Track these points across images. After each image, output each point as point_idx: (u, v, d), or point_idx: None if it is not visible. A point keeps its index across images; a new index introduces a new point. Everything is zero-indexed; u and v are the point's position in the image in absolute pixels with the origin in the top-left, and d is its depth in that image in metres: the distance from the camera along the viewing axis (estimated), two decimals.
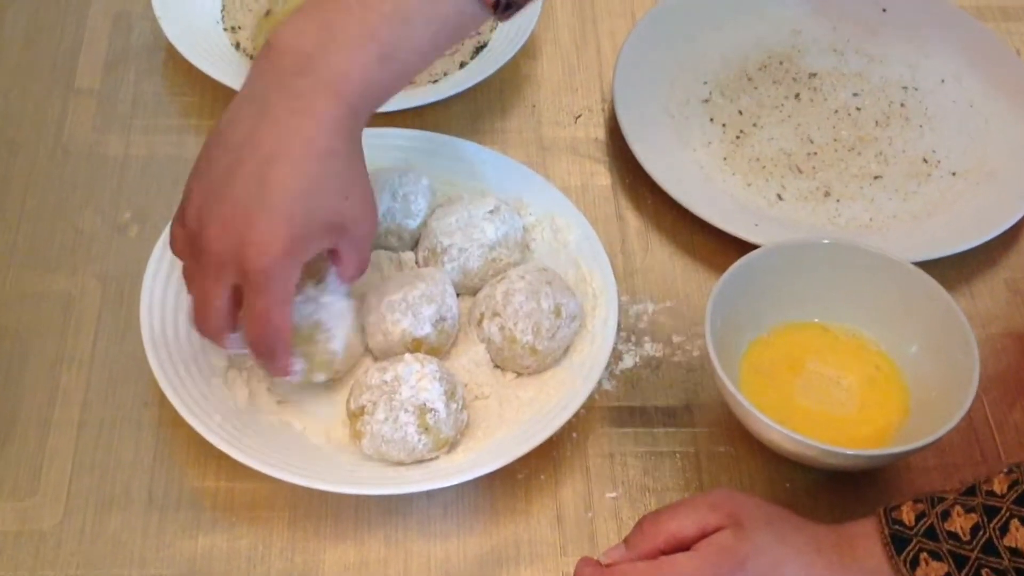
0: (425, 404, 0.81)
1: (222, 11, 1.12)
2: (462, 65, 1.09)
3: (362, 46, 0.78)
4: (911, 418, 0.87)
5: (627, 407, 0.90)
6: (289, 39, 0.79)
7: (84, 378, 0.89)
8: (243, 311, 0.79)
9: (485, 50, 1.10)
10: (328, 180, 0.78)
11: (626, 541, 0.77)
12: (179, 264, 0.90)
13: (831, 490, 0.87)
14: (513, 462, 0.83)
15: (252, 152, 0.77)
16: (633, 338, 0.94)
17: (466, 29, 0.84)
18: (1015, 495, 0.72)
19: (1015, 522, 0.71)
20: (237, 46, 1.09)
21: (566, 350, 0.89)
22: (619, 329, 0.91)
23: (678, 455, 0.88)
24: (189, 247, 0.80)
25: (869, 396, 0.89)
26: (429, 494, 0.83)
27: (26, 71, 1.08)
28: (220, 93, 1.05)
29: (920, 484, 0.87)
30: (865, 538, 0.76)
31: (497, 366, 0.89)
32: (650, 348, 0.93)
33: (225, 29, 1.11)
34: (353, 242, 0.82)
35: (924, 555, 0.73)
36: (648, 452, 0.88)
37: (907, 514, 0.75)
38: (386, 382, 0.82)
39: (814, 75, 1.11)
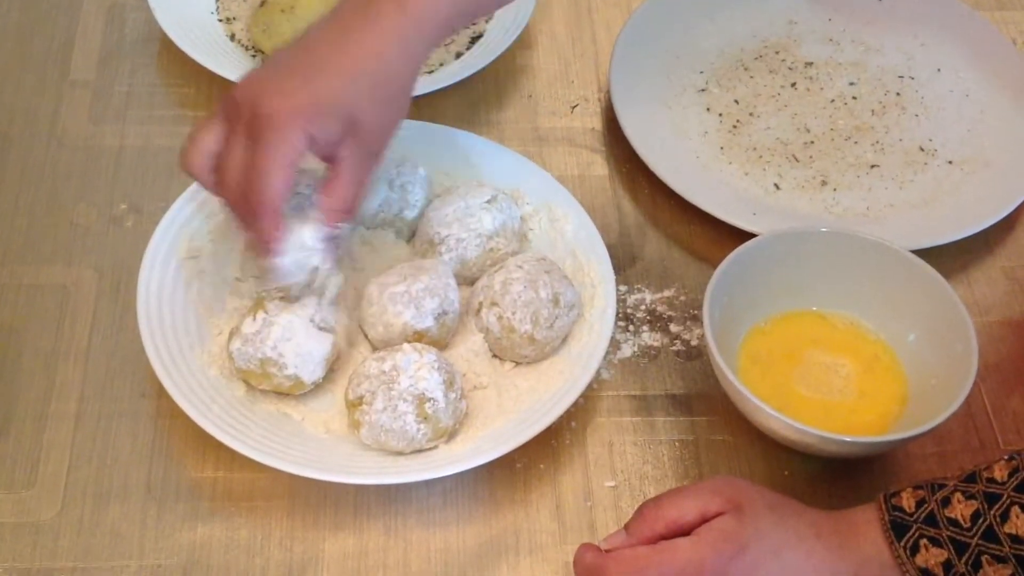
0: (424, 393, 0.81)
1: (216, 2, 1.11)
2: (458, 55, 1.08)
3: None
4: (909, 406, 0.87)
5: (626, 396, 0.90)
6: None
7: (81, 370, 0.89)
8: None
9: (481, 40, 1.09)
10: (367, 76, 0.80)
11: (627, 527, 0.77)
12: (176, 254, 0.90)
13: (830, 478, 0.87)
14: (512, 451, 0.83)
15: (308, 40, 0.81)
16: (631, 327, 0.93)
17: None
18: (1016, 482, 0.72)
19: (1015, 509, 0.71)
20: (232, 37, 1.09)
21: (564, 339, 0.89)
22: (617, 318, 0.91)
23: (677, 444, 0.88)
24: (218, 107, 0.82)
25: (867, 384, 0.89)
26: (428, 483, 0.83)
27: (20, 63, 1.07)
28: (215, 84, 1.04)
29: (918, 471, 0.87)
30: (865, 524, 0.75)
31: (495, 356, 0.89)
32: (648, 337, 0.93)
33: (220, 20, 1.10)
34: (358, 150, 0.81)
35: (924, 541, 0.73)
36: (647, 441, 0.88)
37: (907, 500, 0.75)
38: (384, 372, 0.82)
39: (810, 64, 1.11)
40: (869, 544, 0.75)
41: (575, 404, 0.86)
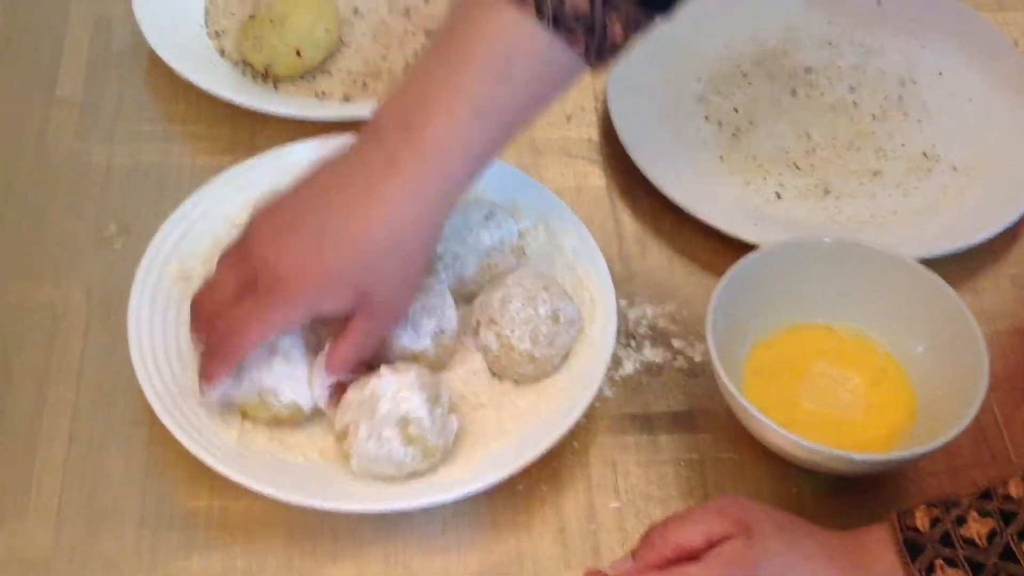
0: (407, 415, 0.79)
1: (205, 16, 1.10)
2: None
3: (455, 106, 0.76)
4: (919, 420, 0.86)
5: (628, 414, 0.88)
6: (387, 107, 0.79)
7: (72, 393, 0.87)
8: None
9: None
10: (382, 246, 0.77)
11: (633, 553, 0.76)
12: (165, 277, 0.88)
13: (838, 495, 0.85)
14: (513, 474, 0.81)
15: (327, 194, 0.78)
16: (633, 343, 0.92)
17: (563, 79, 0.79)
18: None
19: None
20: (222, 52, 1.07)
21: (565, 357, 0.87)
22: (618, 334, 0.89)
23: (682, 462, 0.86)
24: (234, 250, 0.81)
25: (875, 398, 0.87)
26: (428, 509, 0.81)
27: (5, 80, 1.05)
28: (204, 98, 1.02)
29: (929, 486, 0.86)
30: (877, 544, 0.74)
31: (494, 375, 0.87)
32: (650, 353, 0.91)
33: (208, 34, 1.08)
34: (363, 323, 0.79)
35: (939, 562, 0.71)
36: (651, 460, 0.86)
37: (920, 519, 0.73)
38: (364, 399, 0.80)
39: (809, 70, 1.10)
40: (881, 564, 0.73)
41: (577, 423, 0.84)
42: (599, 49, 0.77)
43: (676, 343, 0.92)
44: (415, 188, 0.76)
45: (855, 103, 1.07)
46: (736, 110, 1.06)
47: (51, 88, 1.05)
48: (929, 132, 1.06)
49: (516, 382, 0.87)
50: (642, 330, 0.92)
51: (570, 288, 0.89)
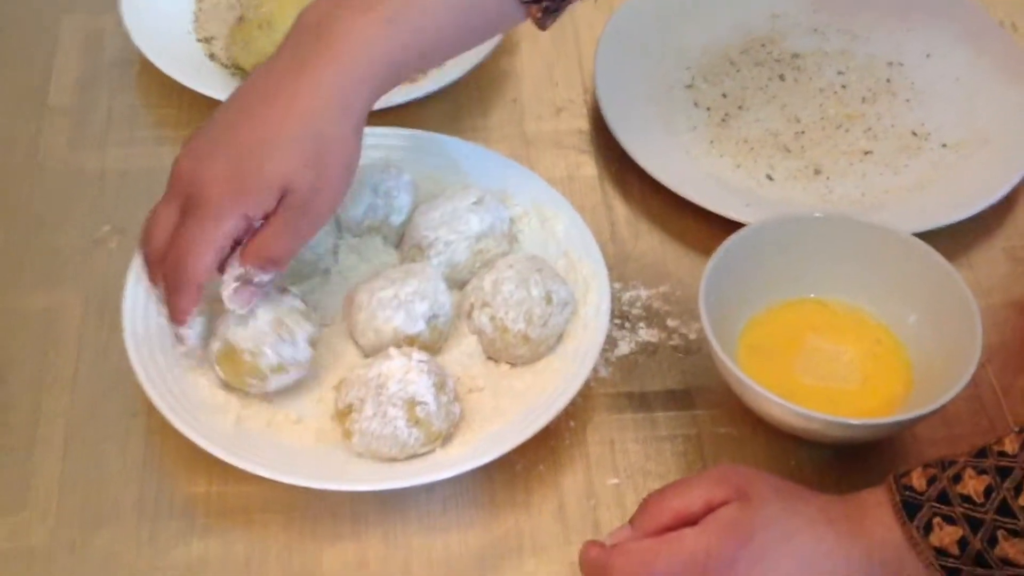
0: (414, 398, 0.79)
1: (194, 22, 1.10)
2: None
3: (367, 9, 0.78)
4: (915, 389, 0.85)
5: (625, 393, 0.88)
6: (307, 11, 0.80)
7: (68, 393, 0.87)
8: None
9: None
10: (296, 141, 0.77)
11: (631, 521, 0.75)
12: None
13: (838, 466, 0.85)
14: (511, 453, 0.81)
15: (241, 102, 0.80)
16: (628, 324, 0.92)
17: (493, 12, 0.82)
18: None
19: None
20: (212, 56, 1.08)
21: (559, 338, 0.87)
22: (613, 316, 0.89)
23: (679, 438, 0.86)
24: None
25: (871, 369, 0.87)
26: (427, 489, 0.81)
27: None
28: (196, 103, 1.03)
29: (928, 456, 0.83)
30: (876, 507, 0.73)
31: (490, 357, 0.87)
32: (645, 334, 0.91)
33: (198, 40, 1.09)
34: (288, 212, 0.79)
35: (937, 520, 0.71)
36: (649, 437, 0.86)
37: (917, 480, 0.73)
38: (372, 378, 0.80)
39: (797, 56, 1.10)
40: (881, 526, 0.73)
41: (573, 403, 0.84)
42: None
43: (671, 323, 0.92)
44: (321, 82, 0.78)
45: (844, 86, 1.08)
46: (725, 96, 1.07)
47: (43, 98, 1.06)
48: (918, 111, 1.06)
49: (512, 364, 0.87)
50: (636, 311, 0.92)
51: (563, 271, 0.90)
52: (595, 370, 0.87)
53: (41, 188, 1.00)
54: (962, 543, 0.70)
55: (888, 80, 1.08)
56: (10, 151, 1.02)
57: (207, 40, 1.09)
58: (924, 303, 0.87)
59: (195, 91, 1.02)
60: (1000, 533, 0.69)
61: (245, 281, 0.80)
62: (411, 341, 0.84)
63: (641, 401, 0.88)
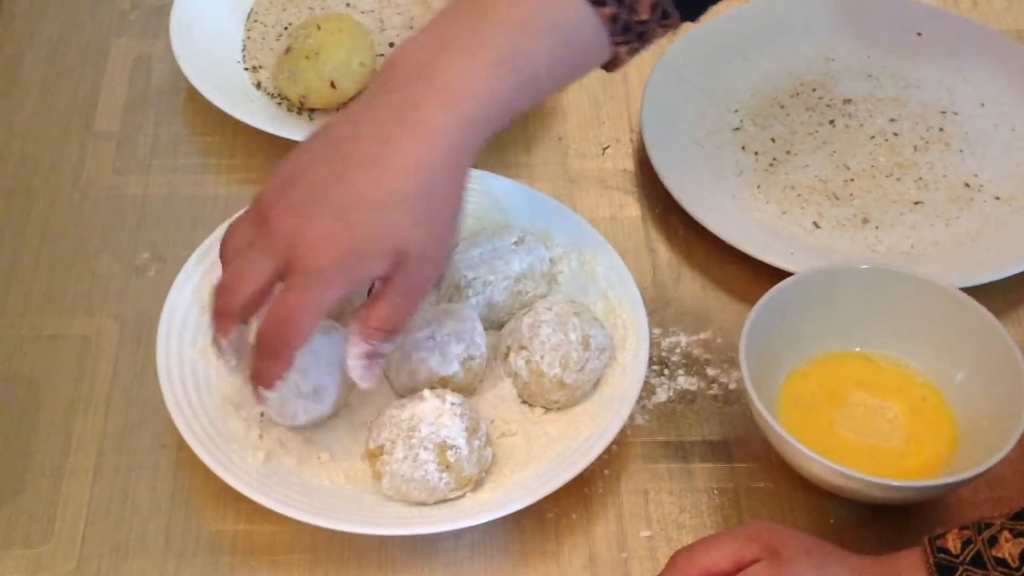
0: (445, 441, 0.78)
1: (243, 50, 1.10)
2: None
3: (474, 52, 0.73)
4: (960, 449, 0.83)
5: (661, 442, 0.86)
6: (405, 51, 0.75)
7: (100, 422, 0.87)
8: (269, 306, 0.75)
9: None
10: (408, 200, 0.72)
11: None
12: (195, 304, 0.88)
13: (877, 526, 0.83)
14: (542, 500, 0.79)
15: (345, 149, 0.73)
16: (666, 371, 0.90)
17: (585, 49, 0.77)
18: None
19: None
20: (258, 85, 1.08)
21: (596, 383, 0.86)
22: (651, 362, 0.88)
23: (716, 491, 0.84)
24: (249, 226, 0.76)
25: (915, 427, 0.85)
26: (456, 534, 0.80)
27: (44, 115, 1.06)
28: (241, 132, 1.03)
29: (971, 518, 0.82)
30: (910, 569, 0.72)
31: (524, 401, 0.86)
32: (684, 381, 0.90)
33: (246, 68, 1.09)
34: (405, 280, 0.75)
35: None
36: (684, 489, 0.84)
37: (952, 542, 0.71)
38: (404, 420, 0.79)
39: (848, 101, 1.08)
40: None
41: (608, 451, 0.83)
42: (626, 23, 0.76)
43: (710, 371, 0.90)
44: (437, 133, 0.72)
45: (895, 134, 1.06)
46: (773, 140, 1.05)
47: (89, 123, 1.06)
48: (971, 162, 1.04)
49: (546, 409, 0.86)
50: (676, 358, 0.91)
51: (602, 315, 0.88)
52: (631, 417, 0.86)
53: (83, 213, 1.00)
54: None
55: (941, 129, 1.06)
56: (55, 175, 1.02)
57: (254, 69, 1.09)
58: (971, 361, 0.85)
59: (240, 120, 1.02)
60: None
61: (369, 355, 0.77)
62: (445, 383, 0.83)
63: (677, 451, 0.86)
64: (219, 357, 0.79)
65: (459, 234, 0.79)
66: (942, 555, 0.70)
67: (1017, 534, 0.69)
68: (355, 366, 0.77)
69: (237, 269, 0.76)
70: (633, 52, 0.79)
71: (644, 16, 0.77)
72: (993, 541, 0.69)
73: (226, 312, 0.76)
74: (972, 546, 0.70)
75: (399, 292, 0.75)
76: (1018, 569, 0.68)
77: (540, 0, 0.75)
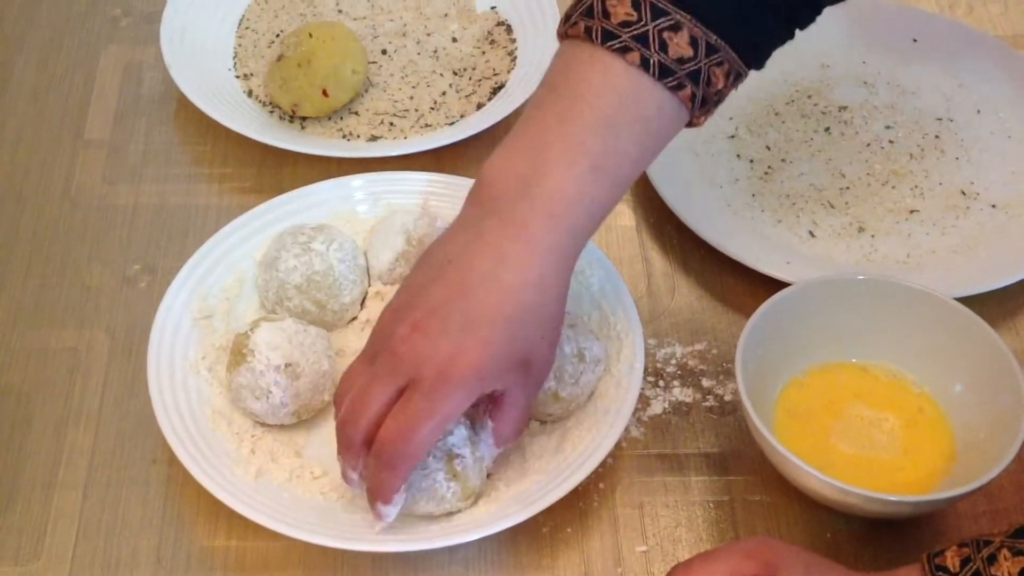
0: (452, 450, 0.77)
1: (234, 58, 1.10)
2: (479, 106, 1.06)
3: (573, 161, 0.74)
4: (957, 461, 0.83)
5: (657, 455, 0.86)
6: (499, 168, 0.76)
7: (91, 436, 0.86)
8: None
9: (503, 91, 1.07)
10: (533, 312, 0.75)
11: None
12: (188, 312, 0.87)
13: (875, 539, 0.82)
14: (537, 515, 0.78)
15: (460, 268, 0.75)
16: (661, 383, 0.89)
17: (668, 129, 0.78)
18: None
19: None
20: (249, 93, 1.07)
21: (590, 396, 0.85)
22: (646, 373, 0.87)
23: (712, 505, 0.84)
24: (364, 363, 0.76)
25: (913, 440, 0.84)
26: (450, 550, 0.79)
27: (34, 123, 1.06)
28: (232, 141, 1.02)
29: (969, 531, 0.82)
30: None
31: None
32: (679, 393, 0.89)
33: (237, 76, 1.08)
34: (526, 389, 0.77)
35: None
36: (680, 502, 0.84)
37: (951, 560, 0.70)
38: None
39: (844, 108, 1.08)
40: None
41: (603, 464, 0.82)
42: (704, 97, 0.77)
43: (706, 382, 0.90)
44: (549, 248, 0.74)
45: (891, 141, 1.05)
46: (768, 148, 1.05)
47: (79, 132, 1.05)
48: (967, 170, 1.04)
49: (541, 422, 0.85)
50: (670, 369, 0.90)
51: (596, 326, 0.88)
52: (626, 430, 0.85)
53: (73, 223, 0.99)
54: None
55: (937, 136, 1.06)
56: (45, 183, 1.01)
57: (246, 77, 1.08)
58: (968, 372, 0.84)
59: (232, 129, 1.01)
60: None
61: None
62: None
63: (673, 464, 0.85)
64: (349, 484, 0.78)
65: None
66: (940, 573, 0.70)
67: (1016, 552, 0.68)
68: (490, 465, 0.80)
69: (359, 399, 0.75)
70: (709, 115, 0.80)
71: (720, 86, 0.77)
72: (992, 559, 0.69)
73: (350, 445, 0.75)
74: (971, 564, 0.69)
75: (524, 397, 0.78)
76: None
77: (620, 94, 0.75)
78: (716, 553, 0.73)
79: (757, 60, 0.80)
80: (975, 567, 0.69)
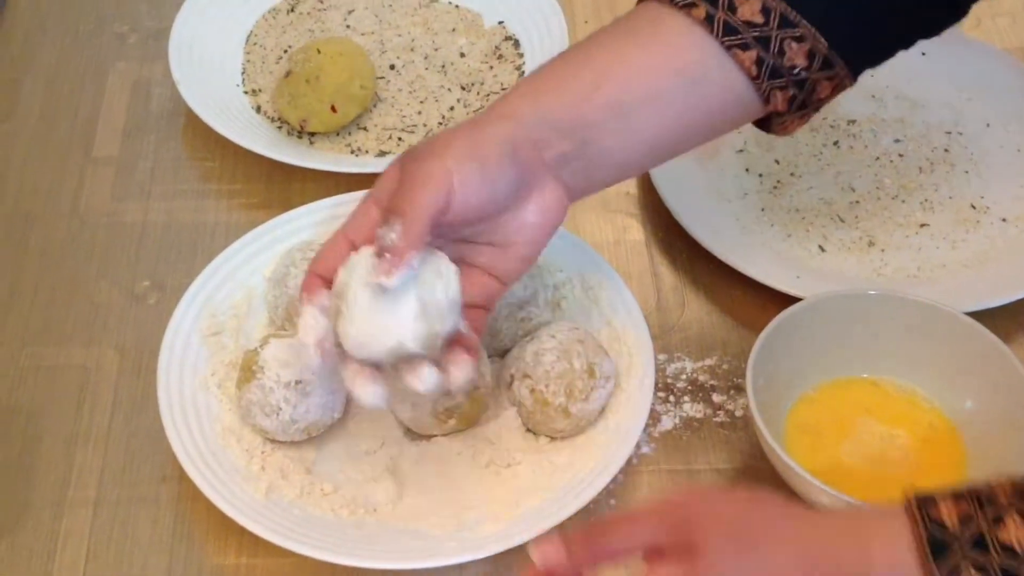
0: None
1: (242, 74, 1.10)
2: None
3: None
4: (970, 478, 0.82)
5: (668, 471, 0.85)
6: None
7: (100, 454, 0.86)
8: None
9: None
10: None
11: (566, 540, 0.65)
12: (197, 329, 0.87)
13: None
14: (549, 531, 0.78)
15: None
16: (672, 398, 0.89)
17: (732, 98, 0.78)
18: None
19: None
20: (258, 109, 1.07)
21: (601, 412, 0.85)
22: (657, 389, 0.87)
23: None
24: None
25: (924, 456, 0.84)
26: (461, 567, 0.79)
27: (43, 141, 1.06)
28: (241, 157, 1.02)
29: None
30: (887, 541, 0.62)
31: (529, 430, 0.85)
32: (690, 408, 0.89)
33: (245, 92, 1.08)
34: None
35: (967, 567, 0.60)
36: None
37: (948, 515, 0.62)
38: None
39: (853, 122, 1.07)
40: (886, 565, 0.62)
41: (614, 480, 0.82)
42: (774, 69, 0.76)
43: (716, 398, 0.89)
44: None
45: (900, 155, 1.05)
46: (777, 162, 1.04)
47: (88, 149, 1.05)
48: (977, 184, 1.03)
49: (551, 438, 0.85)
50: (681, 384, 0.90)
51: (606, 342, 0.87)
52: (637, 446, 0.85)
53: (82, 240, 0.99)
54: None
55: (946, 150, 1.06)
56: (54, 201, 1.02)
57: (254, 92, 1.08)
58: (980, 387, 0.84)
59: (240, 145, 1.01)
60: None
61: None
62: (450, 412, 0.82)
63: (685, 480, 0.85)
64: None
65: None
66: (936, 527, 0.62)
67: None
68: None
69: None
70: (795, 102, 0.78)
71: (797, 63, 0.76)
72: (998, 521, 0.61)
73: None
74: (972, 523, 0.61)
75: None
76: None
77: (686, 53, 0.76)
78: (634, 518, 0.67)
79: (860, 61, 0.80)
80: (978, 528, 0.61)
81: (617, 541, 0.66)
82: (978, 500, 0.63)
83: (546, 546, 0.65)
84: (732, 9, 0.76)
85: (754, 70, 0.76)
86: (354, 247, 0.74)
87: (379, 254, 0.70)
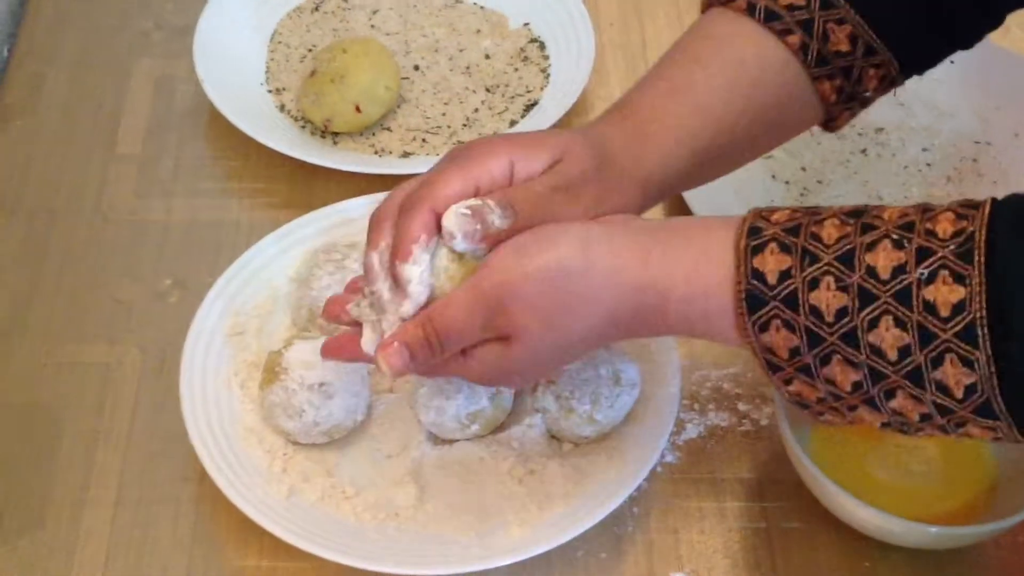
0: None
1: (266, 72, 1.09)
2: (512, 124, 1.05)
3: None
4: (999, 490, 0.82)
5: (692, 479, 0.85)
6: None
7: (121, 453, 0.85)
8: None
9: (536, 108, 1.06)
10: None
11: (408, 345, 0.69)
12: (221, 328, 0.87)
13: (914, 568, 0.81)
14: (572, 539, 0.78)
15: None
16: (696, 406, 0.88)
17: (777, 81, 0.78)
18: (896, 286, 0.60)
19: (887, 318, 0.60)
20: (282, 108, 1.07)
21: (626, 419, 0.84)
22: (681, 397, 0.86)
23: (748, 531, 0.83)
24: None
25: (952, 467, 0.83)
26: (483, 574, 0.78)
27: (66, 137, 1.05)
28: (264, 155, 1.02)
29: (1010, 561, 0.82)
30: (712, 297, 0.66)
31: (553, 436, 0.84)
32: (715, 417, 0.88)
33: (269, 91, 1.08)
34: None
35: (777, 323, 0.64)
36: (716, 528, 0.83)
37: (771, 265, 0.64)
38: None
39: (881, 130, 1.07)
40: (711, 318, 0.67)
41: (638, 488, 0.81)
42: (819, 53, 0.76)
43: (741, 406, 0.89)
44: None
45: (928, 164, 1.04)
46: (804, 169, 1.04)
47: (111, 146, 1.05)
48: (1005, 194, 1.02)
49: (576, 444, 0.84)
50: (706, 392, 0.89)
51: (632, 349, 0.87)
52: (662, 454, 0.84)
53: (104, 237, 0.98)
54: (793, 351, 0.64)
55: (974, 160, 1.05)
56: (77, 198, 1.01)
57: (278, 91, 1.08)
58: None
59: (264, 144, 1.01)
60: (836, 358, 0.62)
61: None
62: (473, 417, 0.82)
63: (709, 489, 0.85)
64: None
65: None
66: (756, 282, 0.64)
67: (842, 287, 0.62)
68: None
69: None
70: (843, 93, 0.79)
71: (842, 48, 0.77)
72: (815, 284, 0.62)
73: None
74: (790, 282, 0.63)
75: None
76: (831, 325, 0.62)
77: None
78: (457, 298, 0.69)
79: (910, 57, 0.81)
80: (792, 287, 0.63)
81: (454, 322, 0.68)
82: (803, 254, 0.64)
83: (394, 359, 0.70)
84: None
85: (800, 56, 0.77)
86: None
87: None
